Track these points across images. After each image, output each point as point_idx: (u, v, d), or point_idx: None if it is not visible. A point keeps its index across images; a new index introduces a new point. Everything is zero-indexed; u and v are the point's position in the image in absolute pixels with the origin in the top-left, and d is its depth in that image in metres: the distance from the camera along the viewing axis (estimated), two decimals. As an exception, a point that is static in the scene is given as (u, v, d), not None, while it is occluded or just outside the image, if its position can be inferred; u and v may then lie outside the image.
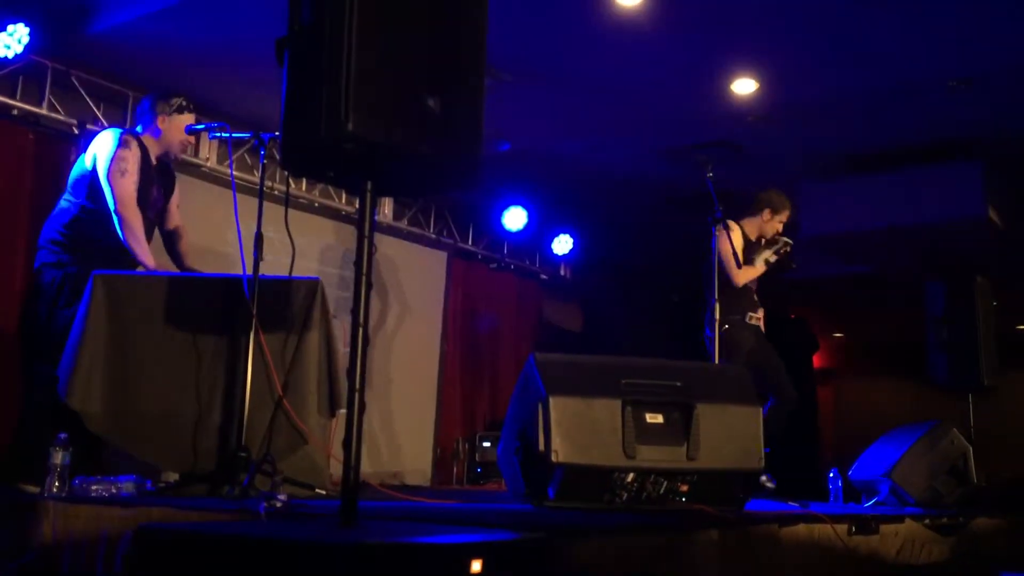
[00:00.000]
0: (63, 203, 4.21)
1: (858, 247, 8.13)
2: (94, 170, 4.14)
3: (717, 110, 6.37)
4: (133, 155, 4.15)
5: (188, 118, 4.35)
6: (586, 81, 6.04)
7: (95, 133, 4.43)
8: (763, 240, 5.69)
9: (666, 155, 7.29)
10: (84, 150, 4.29)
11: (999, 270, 7.43)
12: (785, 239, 5.65)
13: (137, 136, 4.27)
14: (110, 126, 5.81)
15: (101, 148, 4.15)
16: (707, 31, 5.32)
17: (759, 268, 5.51)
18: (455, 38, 2.41)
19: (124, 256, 4.13)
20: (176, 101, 4.32)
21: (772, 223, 5.68)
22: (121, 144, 4.13)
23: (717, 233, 5.24)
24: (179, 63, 5.74)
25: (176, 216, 4.54)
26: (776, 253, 5.56)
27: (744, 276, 5.43)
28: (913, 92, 6.03)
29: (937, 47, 5.39)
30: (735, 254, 5.43)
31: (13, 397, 4.56)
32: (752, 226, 5.69)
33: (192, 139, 4.53)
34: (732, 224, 5.52)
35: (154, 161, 4.35)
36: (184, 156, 5.80)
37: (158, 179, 4.38)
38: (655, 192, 8.12)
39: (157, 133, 4.32)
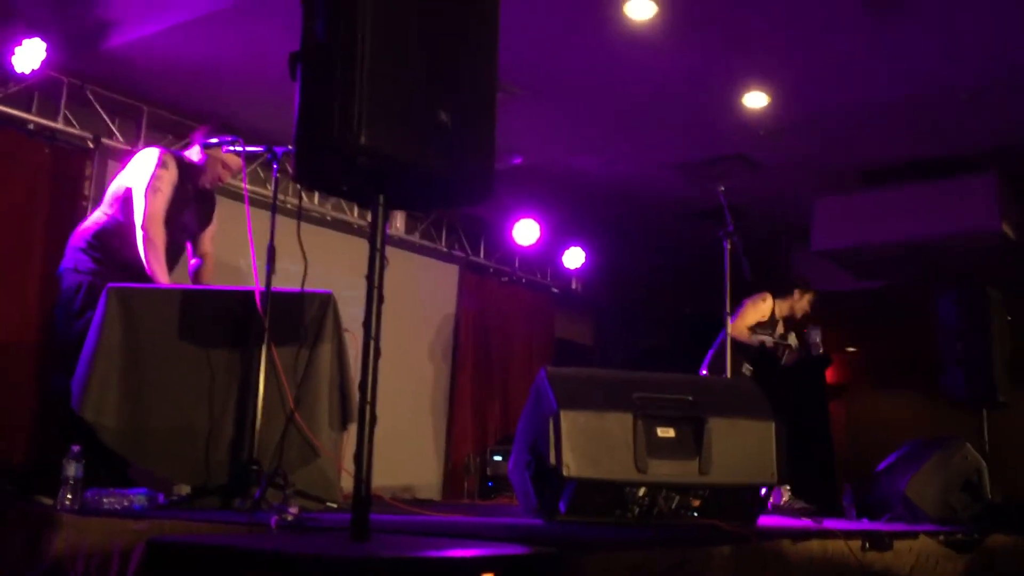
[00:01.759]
0: (98, 215, 4.27)
1: (871, 261, 8.10)
2: (128, 186, 4.19)
3: (729, 124, 6.37)
4: (169, 175, 4.20)
5: (230, 158, 4.33)
6: (598, 95, 6.05)
7: (109, 148, 4.46)
8: (789, 319, 6.27)
9: (678, 169, 7.29)
10: (123, 166, 4.37)
11: (1013, 283, 7.39)
12: (789, 344, 6.19)
13: (179, 157, 4.31)
14: (124, 140, 5.87)
15: (141, 165, 4.21)
16: (718, 45, 5.34)
17: (750, 340, 6.07)
18: (467, 53, 2.42)
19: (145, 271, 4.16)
20: (215, 140, 4.26)
21: (801, 303, 6.25)
22: (160, 163, 4.18)
23: (749, 300, 6.02)
24: (193, 78, 5.79)
25: (206, 244, 4.55)
26: (776, 346, 6.13)
27: (735, 332, 5.78)
28: (925, 105, 6.02)
29: (950, 60, 5.39)
30: (752, 314, 6.11)
31: (28, 408, 4.59)
32: (784, 305, 6.26)
33: (227, 177, 4.50)
34: (767, 296, 6.17)
35: (193, 186, 4.36)
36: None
37: (194, 204, 4.40)
38: (667, 206, 8.12)
39: (202, 161, 4.35)
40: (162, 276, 4.08)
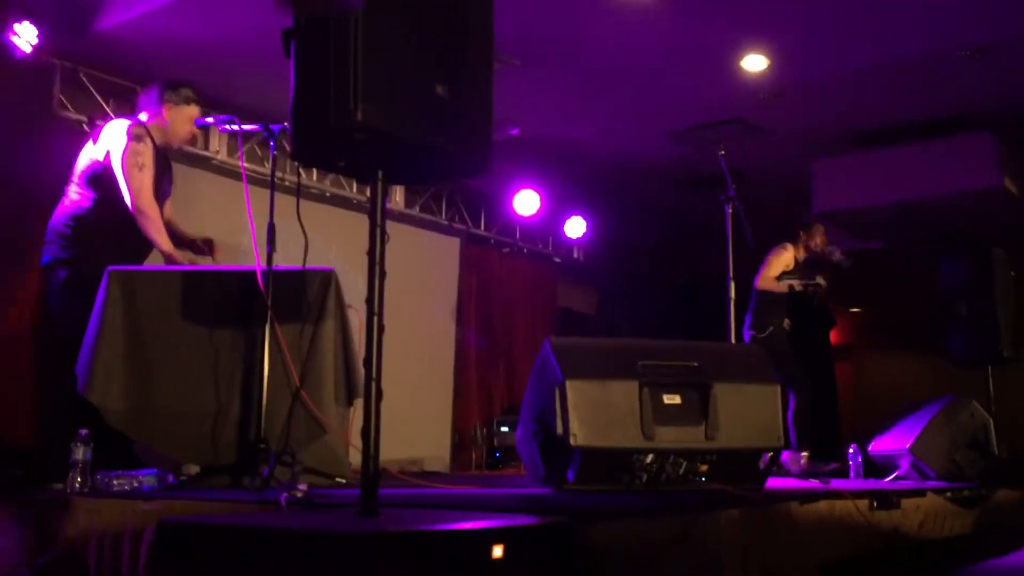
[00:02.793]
0: (72, 195, 4.13)
1: (872, 222, 8.08)
2: (106, 162, 4.08)
3: (727, 89, 6.33)
4: (148, 148, 4.10)
5: (195, 111, 4.29)
6: (595, 63, 6.01)
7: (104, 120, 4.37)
8: (813, 257, 6.51)
9: (677, 135, 7.25)
10: (94, 138, 4.19)
11: (1017, 240, 7.37)
12: (819, 282, 6.33)
13: (147, 126, 4.20)
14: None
15: (114, 141, 4.08)
16: (716, 9, 5.29)
17: (781, 287, 6.27)
18: (462, 24, 2.39)
19: (134, 248, 4.11)
20: (185, 92, 4.25)
21: (814, 239, 6.47)
22: (136, 138, 4.08)
23: (772, 252, 6.29)
24: (187, 57, 5.74)
25: (168, 210, 4.42)
26: (804, 286, 6.30)
27: (764, 284, 6.27)
28: (924, 64, 5.98)
29: (947, 17, 5.34)
30: (777, 264, 6.31)
31: (31, 398, 4.60)
32: (801, 248, 6.49)
33: (198, 132, 4.45)
34: (787, 245, 6.40)
35: (163, 152, 4.29)
36: (191, 148, 5.78)
37: (166, 170, 4.34)
38: (667, 173, 8.09)
39: (163, 123, 4.24)
40: (167, 247, 4.03)
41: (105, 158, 4.09)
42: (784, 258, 6.36)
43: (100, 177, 4.09)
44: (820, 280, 6.36)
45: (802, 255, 6.50)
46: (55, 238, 4.09)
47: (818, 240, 6.49)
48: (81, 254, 4.03)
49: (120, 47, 5.57)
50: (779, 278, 6.28)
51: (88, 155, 4.17)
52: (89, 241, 4.05)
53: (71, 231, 4.06)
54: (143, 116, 4.28)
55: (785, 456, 5.28)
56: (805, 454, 5.82)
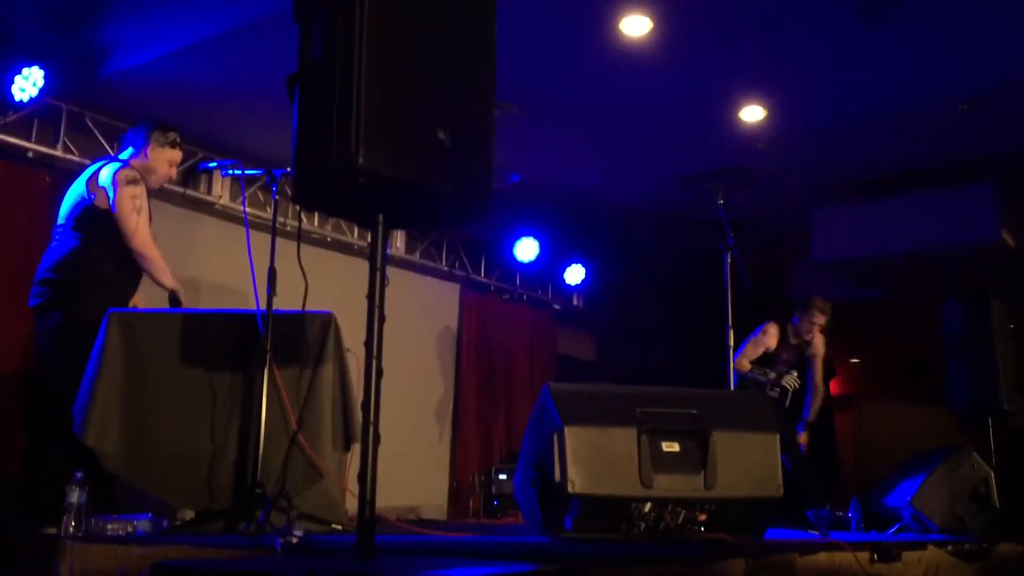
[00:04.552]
0: (61, 237, 4.13)
1: (871, 271, 8.10)
2: (96, 204, 4.09)
3: (727, 137, 6.39)
4: (143, 190, 4.15)
5: (177, 155, 4.38)
6: (595, 111, 6.07)
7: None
8: (798, 342, 6.27)
9: (677, 183, 7.30)
10: (90, 182, 4.18)
11: (1016, 291, 7.38)
12: (787, 385, 6.24)
13: (136, 170, 4.22)
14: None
15: (109, 183, 4.10)
16: (714, 60, 5.35)
17: (749, 374, 6.14)
18: (464, 71, 2.43)
19: (125, 290, 4.14)
20: (171, 135, 4.33)
21: (812, 321, 6.22)
22: (132, 181, 4.12)
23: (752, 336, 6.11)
24: (192, 103, 5.80)
25: None
26: (772, 384, 6.18)
27: (737, 366, 5.79)
28: (922, 115, 6.03)
29: (945, 70, 5.40)
30: (753, 348, 6.17)
31: (21, 438, 4.57)
32: (790, 331, 6.27)
33: (174, 177, 4.51)
34: (773, 326, 6.23)
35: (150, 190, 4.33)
36: (194, 192, 5.84)
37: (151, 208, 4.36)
38: (666, 220, 8.12)
39: (145, 162, 4.28)
40: (171, 283, 4.08)
41: (95, 200, 4.11)
42: (764, 342, 6.18)
43: (90, 219, 4.10)
44: (790, 381, 6.22)
45: (794, 340, 6.26)
46: (45, 280, 4.09)
47: (817, 324, 6.23)
48: (72, 296, 4.03)
49: (127, 92, 5.62)
50: (759, 360, 6.14)
51: (74, 196, 4.17)
52: (79, 283, 4.05)
53: (62, 274, 4.06)
54: (126, 154, 4.31)
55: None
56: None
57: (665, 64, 5.34)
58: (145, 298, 4.38)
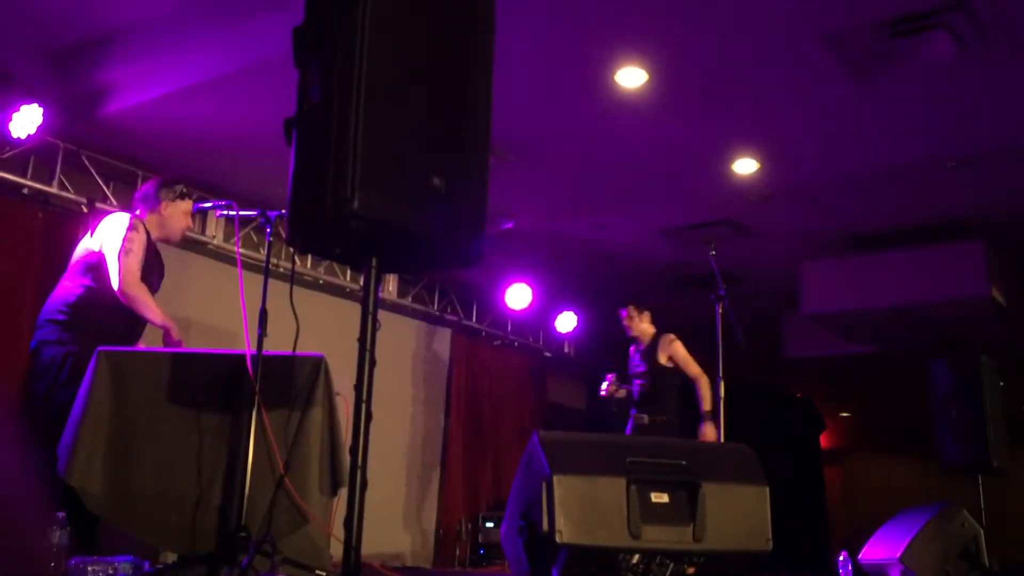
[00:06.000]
0: (67, 283, 4.23)
1: (861, 326, 8.12)
2: (100, 253, 4.19)
3: (719, 189, 6.43)
4: (140, 237, 4.24)
5: (189, 204, 4.49)
6: (589, 161, 6.12)
7: (104, 212, 4.47)
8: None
9: (668, 234, 7.34)
10: (91, 230, 4.34)
11: (1005, 349, 7.41)
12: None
13: (142, 220, 4.35)
14: (119, 204, 5.91)
15: (111, 231, 4.21)
16: (708, 112, 5.41)
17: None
18: (460, 118, 2.45)
19: (125, 337, 4.16)
20: (179, 188, 4.46)
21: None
22: (131, 227, 4.22)
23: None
24: (188, 144, 5.84)
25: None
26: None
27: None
28: (913, 172, 6.10)
29: (936, 129, 5.47)
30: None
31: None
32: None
33: (191, 225, 4.60)
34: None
35: (156, 247, 4.42)
36: (188, 233, 5.87)
37: (157, 264, 4.44)
38: (658, 270, 8.16)
39: (160, 218, 4.41)
40: (161, 318, 4.10)
41: (100, 249, 4.21)
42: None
43: (94, 267, 4.20)
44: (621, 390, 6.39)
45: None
46: (46, 323, 4.15)
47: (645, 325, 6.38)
48: (72, 338, 4.07)
49: (124, 131, 5.65)
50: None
51: (85, 247, 4.30)
52: (81, 327, 4.10)
53: (63, 316, 4.13)
54: (138, 212, 4.43)
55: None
56: None
57: (659, 115, 5.40)
58: (145, 340, 4.39)
